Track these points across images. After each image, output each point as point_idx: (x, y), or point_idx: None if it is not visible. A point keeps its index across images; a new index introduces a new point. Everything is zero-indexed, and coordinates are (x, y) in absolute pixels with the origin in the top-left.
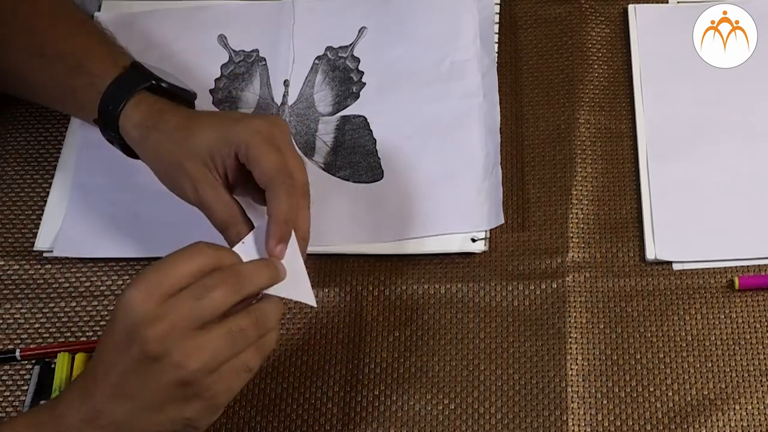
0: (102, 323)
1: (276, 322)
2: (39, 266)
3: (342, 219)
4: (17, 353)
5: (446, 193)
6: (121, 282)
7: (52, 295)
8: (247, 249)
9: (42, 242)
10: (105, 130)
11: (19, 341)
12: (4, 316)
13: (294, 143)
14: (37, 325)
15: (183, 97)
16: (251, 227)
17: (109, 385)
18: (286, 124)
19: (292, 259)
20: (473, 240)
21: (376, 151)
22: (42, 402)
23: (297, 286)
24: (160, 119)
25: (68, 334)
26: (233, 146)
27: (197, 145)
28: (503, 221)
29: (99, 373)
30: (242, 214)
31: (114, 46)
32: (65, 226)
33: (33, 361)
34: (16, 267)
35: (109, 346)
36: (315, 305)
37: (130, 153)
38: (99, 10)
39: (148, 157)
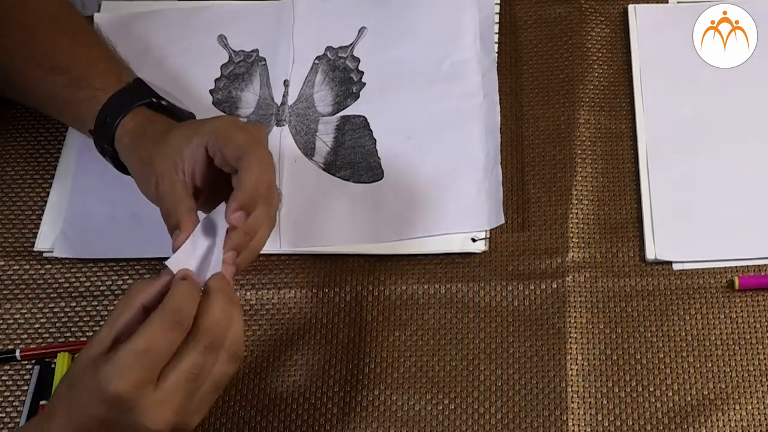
0: (101, 323)
1: (225, 334)
2: (39, 266)
3: (342, 219)
4: (17, 353)
5: (446, 193)
6: (121, 282)
7: (52, 295)
8: (183, 255)
9: (42, 243)
10: (99, 143)
11: (19, 341)
12: (4, 316)
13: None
14: (37, 325)
15: (180, 117)
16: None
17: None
18: (264, 131)
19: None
20: (473, 240)
21: (376, 151)
22: (42, 402)
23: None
24: (151, 126)
25: (68, 334)
26: (203, 138)
27: (170, 144)
28: (504, 221)
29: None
30: (188, 211)
31: (116, 60)
32: (65, 227)
33: (33, 361)
34: (16, 267)
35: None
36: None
37: (121, 167)
38: (99, 11)
39: (131, 160)
